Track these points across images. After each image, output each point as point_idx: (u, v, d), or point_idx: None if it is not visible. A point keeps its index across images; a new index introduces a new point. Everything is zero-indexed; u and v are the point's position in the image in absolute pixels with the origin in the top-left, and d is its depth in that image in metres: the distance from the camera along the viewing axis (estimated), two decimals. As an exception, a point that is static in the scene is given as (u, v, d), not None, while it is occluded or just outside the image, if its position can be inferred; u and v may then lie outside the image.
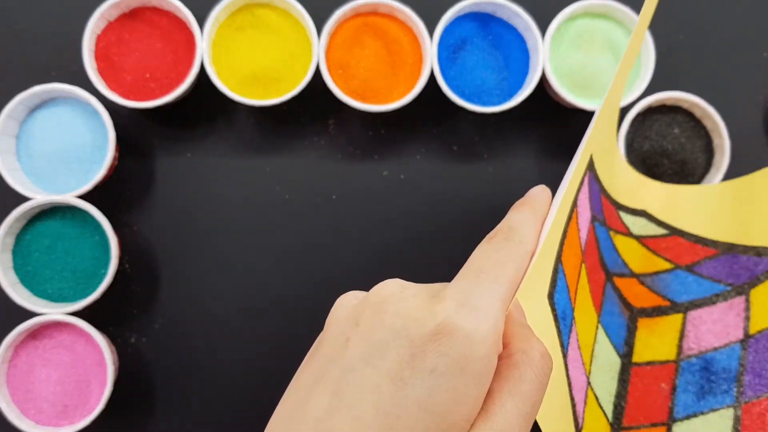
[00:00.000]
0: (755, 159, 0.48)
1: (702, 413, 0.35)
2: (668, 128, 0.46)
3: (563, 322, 0.30)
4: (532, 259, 0.26)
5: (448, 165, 0.48)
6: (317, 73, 0.45)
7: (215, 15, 0.44)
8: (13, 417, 0.41)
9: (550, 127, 0.48)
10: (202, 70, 0.46)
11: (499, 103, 0.45)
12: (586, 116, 0.48)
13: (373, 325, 0.23)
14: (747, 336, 0.35)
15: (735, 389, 0.35)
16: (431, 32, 0.45)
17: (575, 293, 0.32)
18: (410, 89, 0.45)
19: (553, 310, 0.29)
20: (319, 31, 0.45)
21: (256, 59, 0.45)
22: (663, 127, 0.46)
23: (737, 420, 0.34)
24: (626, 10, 0.45)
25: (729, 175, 0.45)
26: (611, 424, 0.34)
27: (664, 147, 0.46)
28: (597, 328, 0.35)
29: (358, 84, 0.45)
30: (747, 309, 0.36)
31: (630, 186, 0.41)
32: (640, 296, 0.38)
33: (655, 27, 0.46)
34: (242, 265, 0.47)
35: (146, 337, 0.46)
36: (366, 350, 0.22)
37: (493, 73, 0.46)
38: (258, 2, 0.46)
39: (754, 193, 0.39)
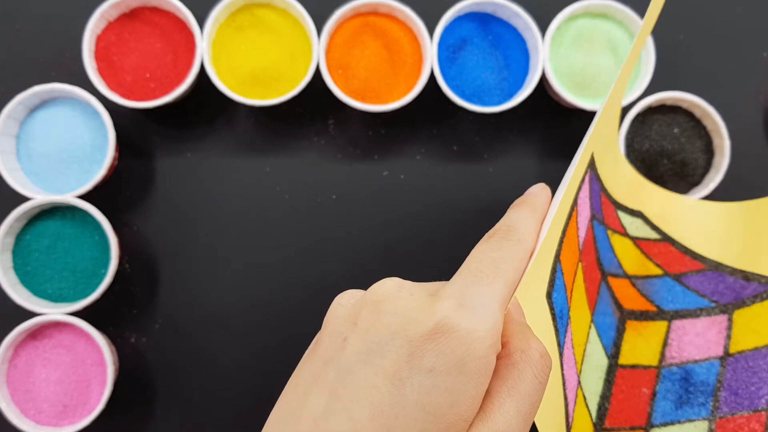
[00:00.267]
0: (755, 159, 0.48)
1: (679, 422, 0.35)
2: (668, 128, 0.46)
3: (560, 321, 0.30)
4: (531, 258, 0.25)
5: (448, 165, 0.48)
6: (317, 73, 0.45)
7: (215, 15, 0.44)
8: (13, 417, 0.41)
9: (550, 127, 0.48)
10: (202, 70, 0.46)
11: (499, 103, 0.45)
12: (586, 116, 0.48)
13: (371, 325, 0.23)
14: (727, 354, 0.36)
15: (711, 403, 0.35)
16: (431, 32, 0.45)
17: (571, 292, 0.32)
18: (410, 89, 0.45)
19: (552, 309, 0.29)
20: (319, 31, 0.45)
21: (256, 59, 0.45)
22: (663, 127, 0.46)
23: None
24: (626, 10, 0.45)
25: (729, 176, 0.45)
26: (594, 424, 0.35)
27: (664, 147, 0.46)
28: (590, 327, 0.35)
29: (358, 84, 0.45)
30: (729, 328, 0.36)
31: (630, 185, 0.41)
32: (630, 298, 0.38)
33: (655, 27, 0.46)
34: (242, 264, 0.47)
35: (146, 337, 0.46)
36: (364, 350, 0.22)
37: (493, 73, 0.46)
38: (258, 2, 0.46)
39: (749, 220, 0.40)
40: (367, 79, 0.45)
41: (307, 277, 0.47)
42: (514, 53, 0.46)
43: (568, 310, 0.32)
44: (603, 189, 0.37)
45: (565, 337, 0.31)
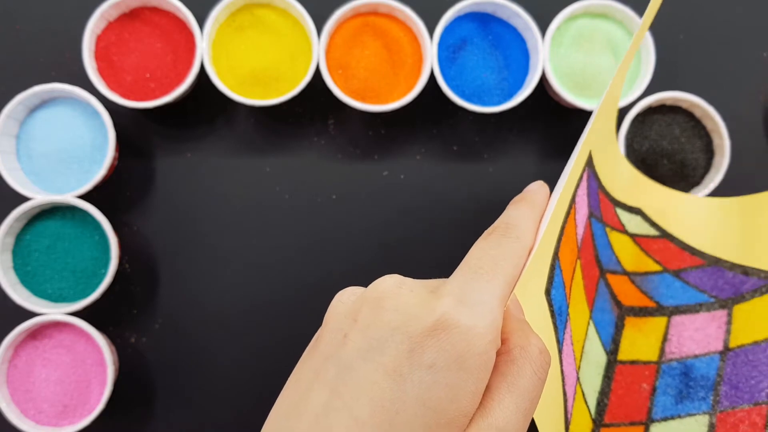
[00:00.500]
0: (755, 159, 0.48)
1: (679, 416, 0.35)
2: (668, 128, 0.46)
3: (559, 317, 0.30)
4: (530, 255, 0.26)
5: (448, 165, 0.48)
6: (317, 73, 0.45)
7: (215, 15, 0.44)
8: (13, 417, 0.41)
9: (550, 127, 0.48)
10: (202, 70, 0.46)
11: (499, 103, 0.45)
12: (586, 116, 0.48)
13: (372, 321, 0.23)
14: (726, 349, 0.36)
15: (712, 397, 0.35)
16: (431, 32, 0.45)
17: (570, 289, 0.33)
18: (410, 89, 0.45)
19: (550, 305, 0.29)
20: (319, 31, 0.45)
21: (256, 59, 0.45)
22: (663, 128, 0.46)
23: (712, 427, 0.35)
24: (626, 10, 0.45)
25: (729, 176, 0.45)
26: (594, 420, 0.35)
27: (664, 147, 0.46)
28: (588, 324, 0.35)
29: (358, 84, 0.45)
30: (728, 323, 0.37)
31: (628, 183, 0.41)
32: (629, 295, 0.38)
33: (655, 27, 0.46)
34: (242, 264, 0.47)
35: (146, 337, 0.46)
36: (364, 346, 0.22)
37: (493, 73, 0.46)
38: (258, 2, 0.46)
39: (748, 214, 0.40)
40: (367, 79, 0.45)
41: (307, 277, 0.47)
42: (514, 53, 0.46)
43: (567, 307, 0.32)
44: (601, 187, 0.38)
45: (564, 333, 0.31)
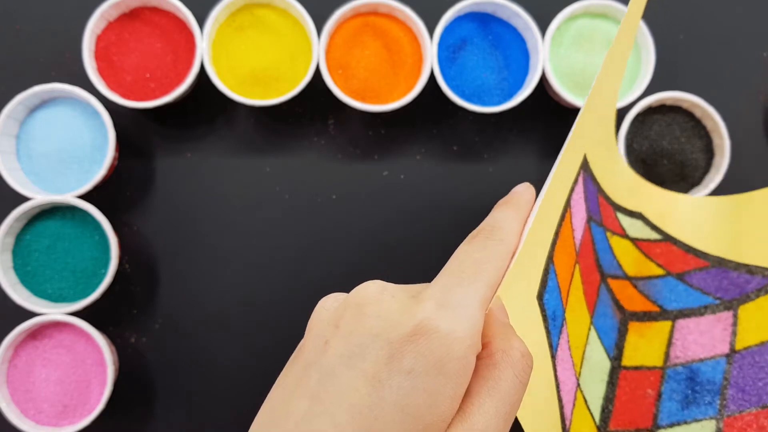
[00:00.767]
0: (755, 159, 0.48)
1: (685, 422, 0.35)
2: (668, 128, 0.46)
3: (553, 322, 0.30)
4: (513, 257, 0.26)
5: (448, 165, 0.48)
6: (317, 73, 0.45)
7: (215, 15, 0.44)
8: (13, 417, 0.41)
9: (550, 127, 0.48)
10: (202, 70, 0.46)
11: (499, 103, 0.45)
12: (586, 116, 0.48)
13: (353, 328, 0.23)
14: (733, 351, 0.36)
15: (718, 402, 0.35)
16: (431, 32, 0.45)
17: (567, 294, 0.32)
18: (410, 89, 0.45)
19: (543, 310, 0.29)
20: (319, 31, 0.45)
21: (256, 59, 0.45)
22: (663, 128, 0.46)
23: None
24: (626, 11, 0.45)
25: (729, 176, 0.45)
26: (598, 427, 0.34)
27: (664, 147, 0.46)
28: (589, 329, 0.35)
29: (358, 84, 0.45)
30: (734, 324, 0.36)
31: (628, 187, 0.41)
32: (632, 299, 0.38)
33: (655, 27, 0.46)
34: (242, 264, 0.47)
35: (146, 337, 0.46)
36: (346, 353, 0.22)
37: (493, 73, 0.46)
38: (258, 2, 0.46)
39: (750, 212, 0.40)
40: (367, 79, 0.45)
41: (307, 277, 0.47)
42: (514, 53, 0.46)
43: (563, 312, 0.32)
44: (601, 191, 0.37)
45: (559, 338, 0.31)
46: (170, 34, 0.45)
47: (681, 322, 0.37)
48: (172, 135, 0.48)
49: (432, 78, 0.46)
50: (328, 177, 0.47)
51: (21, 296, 0.42)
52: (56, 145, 0.44)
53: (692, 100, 0.45)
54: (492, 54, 0.46)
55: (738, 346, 0.36)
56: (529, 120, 0.48)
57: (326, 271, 0.47)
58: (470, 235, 0.27)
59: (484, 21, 0.46)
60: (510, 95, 0.46)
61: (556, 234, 0.30)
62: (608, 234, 0.38)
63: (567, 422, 0.31)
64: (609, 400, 0.35)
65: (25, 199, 0.43)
